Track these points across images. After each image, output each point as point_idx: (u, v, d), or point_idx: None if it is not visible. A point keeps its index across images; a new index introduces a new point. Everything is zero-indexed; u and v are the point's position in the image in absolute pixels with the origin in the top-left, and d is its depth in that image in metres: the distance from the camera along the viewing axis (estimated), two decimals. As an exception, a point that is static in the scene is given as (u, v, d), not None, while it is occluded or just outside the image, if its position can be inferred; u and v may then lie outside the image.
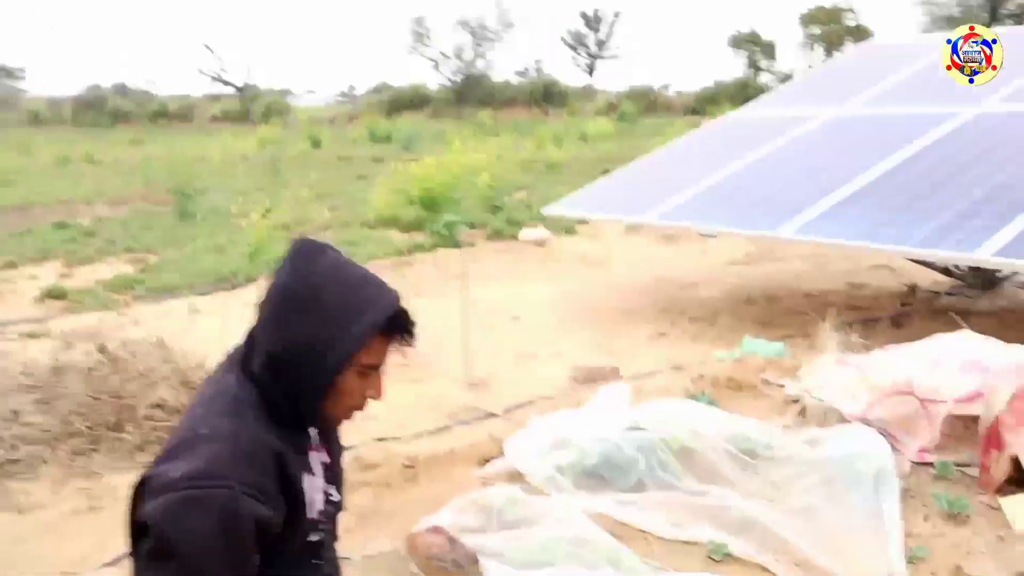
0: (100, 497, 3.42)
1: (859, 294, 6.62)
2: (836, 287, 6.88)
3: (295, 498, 1.52)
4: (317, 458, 1.64)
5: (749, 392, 4.16)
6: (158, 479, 1.41)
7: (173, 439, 1.50)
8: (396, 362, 1.61)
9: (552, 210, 7.18)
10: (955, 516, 2.93)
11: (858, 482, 3.07)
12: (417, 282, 7.16)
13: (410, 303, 1.57)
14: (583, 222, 9.34)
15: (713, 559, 2.76)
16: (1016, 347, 3.59)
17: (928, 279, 6.42)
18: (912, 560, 2.69)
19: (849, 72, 8.73)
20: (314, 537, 1.59)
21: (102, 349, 4.21)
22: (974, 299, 5.86)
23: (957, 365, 3.58)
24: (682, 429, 3.38)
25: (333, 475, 1.71)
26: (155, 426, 4.00)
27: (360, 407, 1.61)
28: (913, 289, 6.32)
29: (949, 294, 6.06)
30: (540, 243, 9.09)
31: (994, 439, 3.09)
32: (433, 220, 9.63)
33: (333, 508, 1.68)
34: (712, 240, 8.51)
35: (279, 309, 1.51)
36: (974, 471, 3.24)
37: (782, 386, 4.16)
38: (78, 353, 4.26)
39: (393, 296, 1.55)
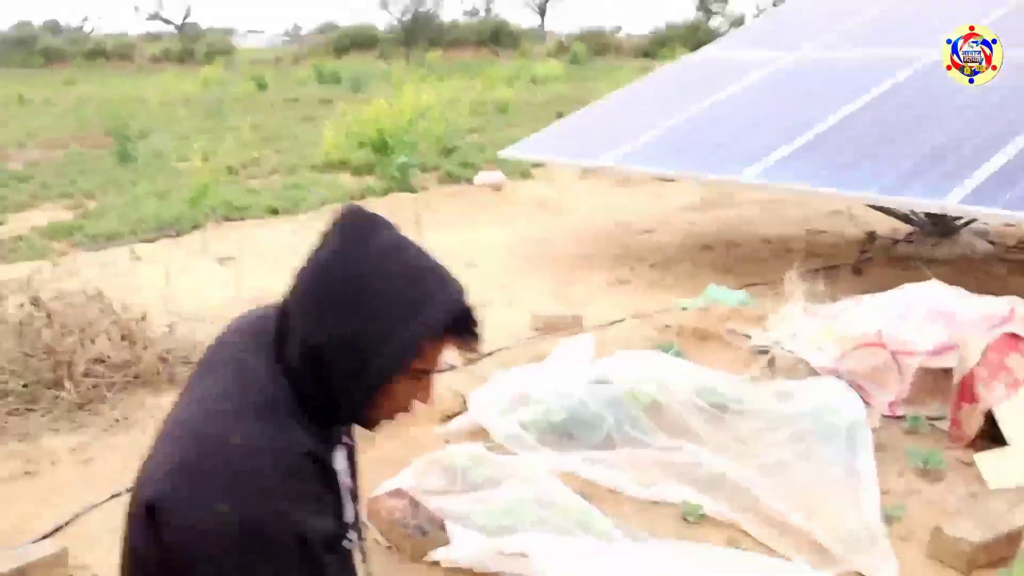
0: (36, 461, 3.21)
1: (818, 240, 6.57)
2: (794, 233, 6.82)
3: (337, 503, 1.34)
4: (343, 451, 1.44)
5: (715, 342, 4.07)
6: (190, 514, 1.15)
7: (188, 441, 1.23)
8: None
9: (508, 153, 6.98)
10: (929, 472, 2.87)
11: (830, 437, 3.00)
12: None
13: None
14: (538, 165, 9.16)
15: (688, 520, 2.67)
16: (984, 298, 3.53)
17: (886, 226, 6.38)
18: (889, 520, 2.63)
19: (805, 15, 8.58)
20: (347, 543, 1.39)
21: (35, 301, 3.95)
22: (932, 247, 5.84)
23: (924, 315, 3.51)
24: (650, 383, 3.27)
25: (354, 464, 1.50)
26: (96, 383, 3.79)
27: (406, 411, 1.38)
28: (871, 236, 6.27)
29: (907, 241, 6.02)
30: (496, 187, 8.89)
31: (967, 393, 3.04)
32: (385, 163, 9.35)
33: (358, 505, 1.49)
34: (668, 184, 8.40)
35: (322, 295, 1.26)
36: (944, 424, 3.20)
37: (748, 336, 4.08)
38: (10, 306, 3.99)
39: (457, 291, 1.31)
